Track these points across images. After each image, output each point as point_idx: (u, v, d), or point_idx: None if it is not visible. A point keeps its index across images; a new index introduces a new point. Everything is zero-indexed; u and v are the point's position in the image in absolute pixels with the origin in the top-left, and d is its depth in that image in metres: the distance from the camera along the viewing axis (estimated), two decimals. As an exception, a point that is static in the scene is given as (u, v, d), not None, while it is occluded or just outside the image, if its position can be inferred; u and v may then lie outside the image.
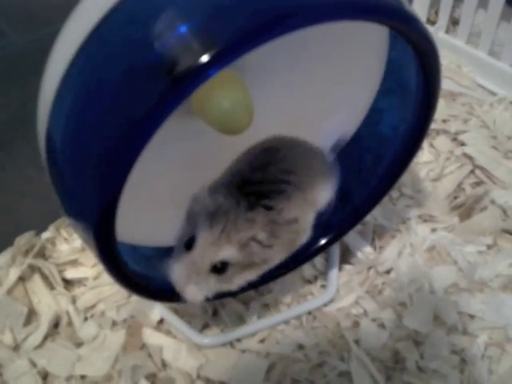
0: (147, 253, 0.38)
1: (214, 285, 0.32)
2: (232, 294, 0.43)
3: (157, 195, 0.36)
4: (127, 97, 0.23)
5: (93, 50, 0.25)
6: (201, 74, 0.22)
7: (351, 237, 0.47)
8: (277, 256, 0.35)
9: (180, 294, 0.32)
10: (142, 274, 0.34)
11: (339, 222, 0.42)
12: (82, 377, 0.40)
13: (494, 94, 0.59)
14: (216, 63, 0.22)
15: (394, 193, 0.50)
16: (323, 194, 0.38)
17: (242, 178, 0.34)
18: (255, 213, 0.32)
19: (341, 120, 0.42)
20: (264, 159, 0.35)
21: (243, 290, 0.42)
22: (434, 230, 0.48)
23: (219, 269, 0.32)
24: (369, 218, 0.46)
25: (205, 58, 0.21)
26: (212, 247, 0.31)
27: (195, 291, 0.32)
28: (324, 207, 0.38)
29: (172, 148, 0.33)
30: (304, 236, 0.37)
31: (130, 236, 0.35)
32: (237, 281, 0.34)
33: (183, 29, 0.22)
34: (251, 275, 0.34)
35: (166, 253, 0.39)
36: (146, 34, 0.23)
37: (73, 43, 0.25)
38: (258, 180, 0.34)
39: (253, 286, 0.42)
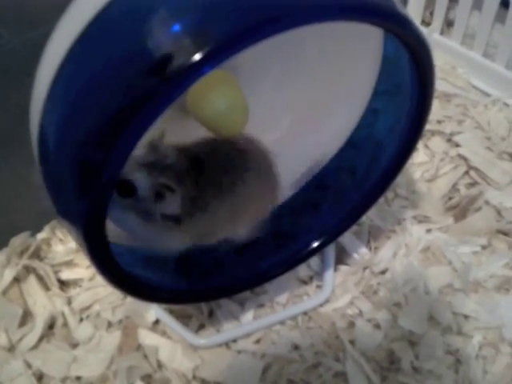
0: (145, 254, 0.38)
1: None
2: (227, 295, 0.43)
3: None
4: (120, 94, 0.23)
5: (85, 49, 0.25)
6: (193, 72, 0.22)
7: (347, 237, 0.47)
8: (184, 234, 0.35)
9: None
10: (139, 275, 0.34)
11: (335, 223, 0.42)
12: (78, 378, 0.40)
13: (488, 95, 0.59)
14: (209, 61, 0.22)
15: (389, 194, 0.50)
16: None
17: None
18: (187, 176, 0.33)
19: (337, 120, 0.42)
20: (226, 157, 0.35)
21: (239, 290, 0.42)
22: (428, 231, 0.48)
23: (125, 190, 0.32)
24: (364, 218, 0.47)
25: (197, 56, 0.22)
26: (130, 168, 0.32)
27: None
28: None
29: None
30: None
31: (126, 237, 0.35)
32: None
33: (176, 27, 0.23)
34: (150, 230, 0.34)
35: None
36: (139, 32, 0.23)
37: (65, 41, 0.25)
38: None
39: (248, 286, 0.42)
